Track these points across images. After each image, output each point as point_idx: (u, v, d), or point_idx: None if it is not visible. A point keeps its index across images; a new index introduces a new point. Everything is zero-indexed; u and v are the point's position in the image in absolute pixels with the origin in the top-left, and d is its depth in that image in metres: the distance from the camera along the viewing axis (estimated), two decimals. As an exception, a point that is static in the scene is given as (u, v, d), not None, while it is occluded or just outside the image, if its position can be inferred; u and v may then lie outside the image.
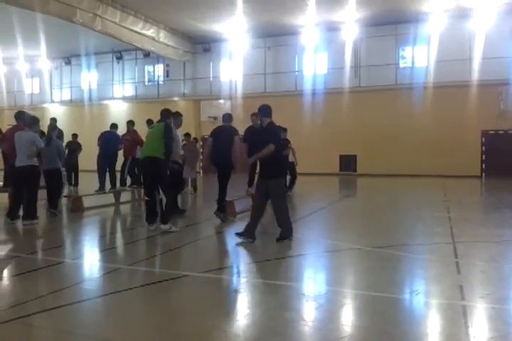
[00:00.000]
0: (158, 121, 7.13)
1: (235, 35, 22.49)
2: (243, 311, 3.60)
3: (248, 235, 6.00)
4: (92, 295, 3.90)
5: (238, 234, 6.05)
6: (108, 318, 3.40)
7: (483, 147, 19.90)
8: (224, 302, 3.76)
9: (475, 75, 19.33)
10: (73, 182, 13.61)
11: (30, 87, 28.88)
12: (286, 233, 6.02)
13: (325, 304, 3.66)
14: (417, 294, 3.93)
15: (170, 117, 7.29)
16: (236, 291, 4.05)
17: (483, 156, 19.91)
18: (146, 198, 6.93)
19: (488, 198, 12.96)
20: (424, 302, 3.77)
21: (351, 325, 3.26)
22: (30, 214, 7.34)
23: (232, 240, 6.65)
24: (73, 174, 13.59)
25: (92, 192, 10.83)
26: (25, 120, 7.63)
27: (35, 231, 7.19)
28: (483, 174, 19.80)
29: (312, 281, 4.49)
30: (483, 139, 19.89)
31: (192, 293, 3.96)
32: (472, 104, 19.11)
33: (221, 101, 23.50)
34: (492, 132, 19.70)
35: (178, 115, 8.07)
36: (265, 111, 6.21)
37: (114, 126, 11.45)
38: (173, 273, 4.53)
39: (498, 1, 17.83)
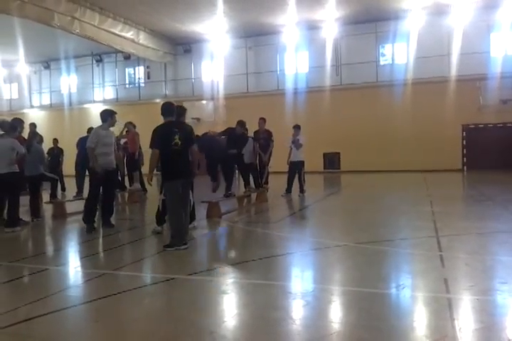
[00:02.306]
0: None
1: (215, 35, 22.47)
2: (231, 312, 3.59)
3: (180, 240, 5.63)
4: (77, 301, 3.85)
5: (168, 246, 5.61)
6: (95, 325, 3.35)
7: (464, 141, 20.21)
8: (211, 303, 3.74)
9: (454, 71, 19.64)
10: (61, 188, 13.43)
11: (8, 92, 28.47)
12: (173, 241, 5.59)
13: (312, 301, 3.67)
14: (403, 288, 3.96)
15: (184, 115, 6.85)
16: (223, 292, 4.04)
17: (464, 150, 20.22)
18: (164, 198, 6.57)
19: (470, 191, 13.14)
20: (410, 296, 3.80)
21: (339, 322, 3.27)
22: (12, 222, 7.23)
23: (215, 241, 6.65)
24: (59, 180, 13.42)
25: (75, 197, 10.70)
26: (3, 127, 7.50)
27: (18, 238, 7.09)
28: (465, 167, 20.10)
29: (299, 279, 4.50)
30: (464, 133, 20.20)
31: (179, 296, 3.93)
32: (452, 99, 19.41)
33: (203, 102, 23.45)
34: (472, 126, 20.02)
35: (111, 112, 7.38)
36: (163, 110, 5.91)
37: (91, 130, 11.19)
38: (159, 276, 4.50)
39: (474, -3, 18.10)
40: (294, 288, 4.15)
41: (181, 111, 6.69)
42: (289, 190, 11.46)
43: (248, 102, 21.78)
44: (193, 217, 6.95)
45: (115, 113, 7.42)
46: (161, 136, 5.73)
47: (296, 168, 11.54)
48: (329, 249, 5.60)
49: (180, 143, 5.69)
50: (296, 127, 11.66)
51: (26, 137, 9.24)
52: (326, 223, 7.98)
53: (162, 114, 5.91)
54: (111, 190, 7.58)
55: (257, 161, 11.32)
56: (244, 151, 10.24)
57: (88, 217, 7.11)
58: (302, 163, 11.59)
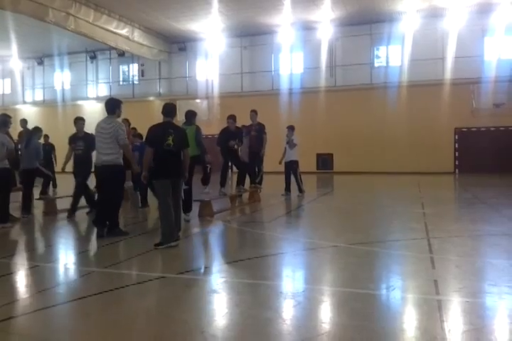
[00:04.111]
0: (186, 124, 7.60)
1: (210, 34, 22.43)
2: (221, 311, 3.57)
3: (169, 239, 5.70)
4: (67, 299, 3.82)
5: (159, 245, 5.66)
6: (84, 322, 3.33)
7: (457, 144, 20.33)
8: (202, 302, 3.73)
9: (448, 74, 19.77)
10: (53, 185, 13.31)
11: (1, 87, 28.28)
12: (163, 238, 5.66)
13: (303, 302, 3.66)
14: (393, 289, 3.98)
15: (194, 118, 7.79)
16: (214, 291, 4.03)
17: (457, 153, 20.35)
18: (185, 187, 7.19)
19: (461, 194, 13.22)
20: (401, 297, 3.80)
21: (329, 322, 3.27)
22: (2, 218, 7.17)
23: (206, 241, 6.63)
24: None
25: (67, 194, 10.61)
26: None
27: (8, 235, 7.03)
28: (457, 170, 20.22)
29: (290, 279, 4.49)
30: (456, 136, 20.32)
31: (169, 294, 3.92)
32: (445, 102, 19.53)
33: (197, 100, 23.41)
34: (465, 129, 20.15)
35: (119, 103, 6.57)
36: (164, 110, 6.07)
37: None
38: (150, 275, 4.48)
39: (469, 1, 18.23)
40: (285, 288, 4.14)
41: (193, 114, 7.77)
42: (287, 189, 11.50)
43: (242, 102, 21.74)
44: (189, 208, 7.64)
45: (121, 102, 6.65)
46: (154, 135, 5.86)
47: (290, 168, 11.58)
48: (321, 250, 5.60)
49: (172, 144, 5.80)
50: (290, 128, 11.69)
51: (18, 133, 9.21)
52: (318, 223, 7.98)
53: (163, 113, 6.05)
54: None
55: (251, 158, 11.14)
56: (241, 150, 10.21)
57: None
58: (296, 162, 11.62)
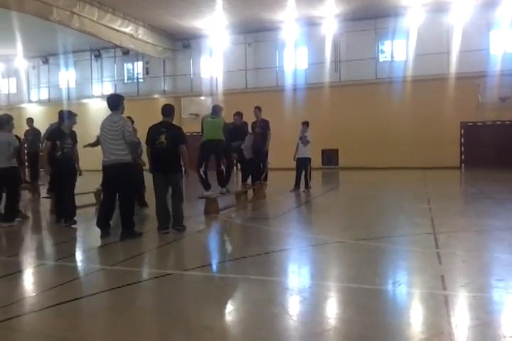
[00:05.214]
0: (213, 114, 8.72)
1: (214, 31, 22.40)
2: (228, 307, 3.59)
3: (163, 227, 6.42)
4: (74, 296, 3.84)
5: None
6: (91, 320, 3.35)
7: (462, 138, 20.22)
8: (208, 299, 3.74)
9: (453, 68, 19.63)
10: None
11: (6, 86, 28.38)
12: (158, 224, 6.53)
13: (309, 297, 3.67)
14: (400, 285, 3.98)
15: (221, 111, 8.83)
16: (220, 288, 4.04)
17: (462, 148, 20.23)
18: (201, 171, 8.43)
19: (467, 189, 13.17)
20: (407, 292, 3.80)
21: (335, 318, 3.28)
22: (10, 216, 7.22)
23: (212, 237, 6.66)
24: None
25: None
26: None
27: (15, 233, 7.08)
28: (463, 165, 20.12)
29: (296, 275, 4.51)
30: (462, 131, 20.20)
31: (176, 291, 3.94)
32: (451, 96, 19.40)
33: (202, 97, 23.41)
34: (471, 124, 20.02)
35: (122, 98, 6.34)
36: (162, 111, 6.62)
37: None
38: (157, 271, 4.50)
39: (474, -5, 18.07)
40: (291, 283, 4.15)
41: (220, 108, 8.89)
42: (297, 186, 11.52)
43: (247, 98, 21.66)
44: (225, 181, 8.87)
45: (124, 98, 6.37)
46: (149, 134, 6.47)
47: (302, 165, 11.57)
48: (327, 246, 5.60)
49: (165, 142, 6.26)
50: (305, 123, 11.69)
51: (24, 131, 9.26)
52: (324, 219, 7.99)
53: (162, 113, 6.56)
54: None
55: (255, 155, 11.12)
56: (244, 146, 10.20)
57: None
58: (309, 159, 11.63)
